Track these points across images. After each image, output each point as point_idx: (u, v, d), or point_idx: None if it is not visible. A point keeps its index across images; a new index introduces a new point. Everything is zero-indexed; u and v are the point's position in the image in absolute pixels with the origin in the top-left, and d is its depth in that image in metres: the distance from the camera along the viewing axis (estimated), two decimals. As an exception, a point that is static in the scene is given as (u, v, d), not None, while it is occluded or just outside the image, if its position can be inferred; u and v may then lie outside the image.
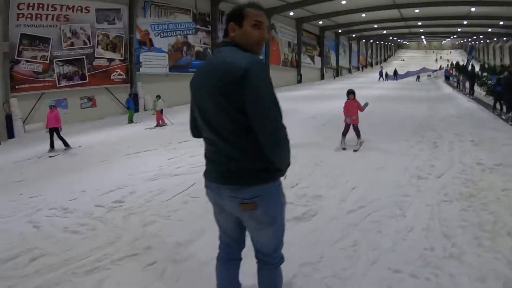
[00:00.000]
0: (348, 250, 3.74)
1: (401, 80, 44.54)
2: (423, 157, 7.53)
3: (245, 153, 2.10)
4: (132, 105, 18.84)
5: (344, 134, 8.86)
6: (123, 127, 16.24)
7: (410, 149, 8.30)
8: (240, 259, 2.61)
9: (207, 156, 2.32)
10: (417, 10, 35.30)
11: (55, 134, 11.54)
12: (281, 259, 2.46)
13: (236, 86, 1.96)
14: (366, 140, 9.08)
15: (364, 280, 3.21)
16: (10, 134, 16.62)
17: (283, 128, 2.06)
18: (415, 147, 8.47)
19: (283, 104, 2.16)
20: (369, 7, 33.32)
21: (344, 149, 8.59)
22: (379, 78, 44.74)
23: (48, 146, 11.64)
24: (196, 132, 2.46)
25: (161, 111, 15.68)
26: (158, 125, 15.35)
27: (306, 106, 18.59)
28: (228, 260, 2.56)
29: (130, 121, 17.67)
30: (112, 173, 7.71)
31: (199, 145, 8.53)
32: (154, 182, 6.88)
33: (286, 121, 2.07)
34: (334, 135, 9.55)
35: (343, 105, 8.91)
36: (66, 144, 11.56)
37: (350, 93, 8.88)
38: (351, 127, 8.82)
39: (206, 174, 2.35)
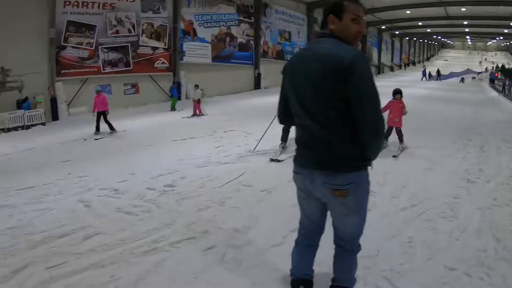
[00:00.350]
0: (404, 245, 3.73)
1: (444, 80, 43.12)
2: (470, 160, 7.21)
3: (343, 140, 2.16)
4: (176, 93, 18.94)
5: (386, 136, 7.87)
6: (166, 114, 16.21)
7: (457, 151, 7.93)
8: (317, 245, 2.67)
9: (300, 142, 2.37)
10: (463, 9, 33.72)
11: (101, 118, 11.68)
12: (358, 247, 2.55)
13: (342, 77, 2.01)
14: (410, 140, 8.40)
15: (420, 276, 3.21)
16: (55, 116, 17.06)
17: (383, 120, 2.16)
18: (462, 150, 8.07)
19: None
20: (414, 4, 32.12)
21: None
22: (422, 78, 43.28)
23: (94, 129, 11.77)
24: (285, 119, 2.57)
25: (199, 100, 15.51)
26: (194, 114, 15.18)
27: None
28: (307, 246, 2.64)
29: (173, 108, 17.70)
30: (160, 158, 7.65)
31: (244, 135, 8.38)
32: (204, 168, 6.79)
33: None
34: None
35: (386, 104, 7.80)
36: (112, 127, 11.65)
37: (397, 92, 8.10)
38: (394, 129, 8.01)
39: (298, 159, 2.40)
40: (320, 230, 2.62)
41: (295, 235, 3.69)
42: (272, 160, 7.13)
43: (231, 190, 5.60)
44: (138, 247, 3.78)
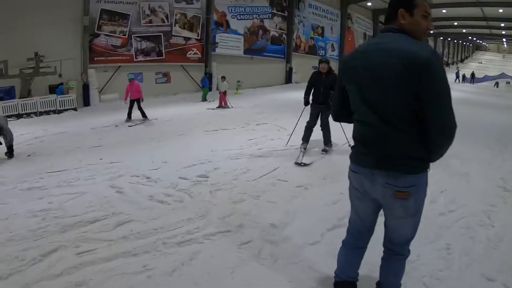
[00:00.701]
0: (442, 251, 3.57)
1: (478, 84, 41.75)
2: (507, 168, 6.75)
3: (410, 140, 2.06)
4: (207, 84, 18.86)
5: None
6: (196, 104, 16.00)
7: (494, 158, 7.44)
8: (366, 247, 2.55)
9: (361, 140, 2.26)
10: (501, 10, 32.18)
11: (135, 105, 11.67)
12: (408, 252, 2.47)
13: (418, 74, 1.92)
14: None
15: (458, 283, 3.09)
16: (86, 102, 17.37)
17: (455, 121, 2.04)
18: (498, 156, 7.57)
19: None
20: (451, 3, 30.94)
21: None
22: (456, 79, 42.15)
23: (125, 116, 11.77)
24: (341, 115, 2.45)
25: (225, 92, 15.11)
26: (220, 106, 14.82)
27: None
28: (355, 248, 2.53)
29: (204, 99, 17.62)
30: (192, 148, 7.49)
31: (276, 129, 8.12)
32: (237, 161, 6.56)
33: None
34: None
35: None
36: (144, 115, 11.65)
37: None
38: None
39: (357, 158, 2.30)
40: (370, 231, 2.51)
41: (332, 234, 3.73)
42: (297, 164, 6.44)
43: (266, 184, 5.38)
44: (172, 237, 3.63)
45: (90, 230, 3.79)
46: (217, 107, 14.72)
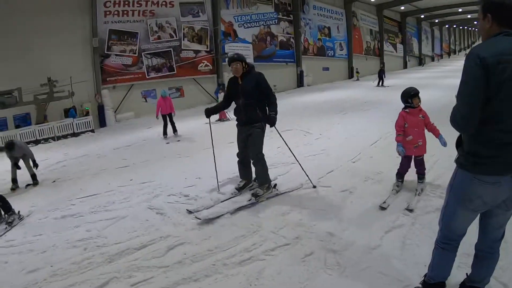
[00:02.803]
0: None
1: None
2: None
3: None
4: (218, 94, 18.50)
5: (403, 173, 5.06)
6: (212, 116, 15.36)
7: None
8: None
9: (504, 147, 2.11)
10: (504, -9, 32.00)
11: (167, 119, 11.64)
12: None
13: None
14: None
15: None
16: (102, 123, 17.36)
17: None
18: None
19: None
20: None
21: (383, 208, 4.44)
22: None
23: (143, 133, 11.93)
24: (474, 122, 2.10)
25: None
26: (220, 119, 13.67)
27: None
28: (454, 251, 2.53)
29: None
30: (222, 160, 7.12)
31: (302, 134, 7.79)
32: (274, 170, 6.23)
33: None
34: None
35: (397, 118, 4.99)
36: (175, 129, 11.66)
37: (414, 95, 4.85)
38: (412, 160, 5.01)
39: (499, 167, 2.14)
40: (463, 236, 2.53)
41: (391, 236, 3.70)
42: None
43: (309, 192, 5.16)
44: (230, 257, 3.45)
45: (140, 258, 3.59)
46: (217, 120, 13.32)
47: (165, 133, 11.58)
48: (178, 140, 10.40)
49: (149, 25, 19.23)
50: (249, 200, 4.79)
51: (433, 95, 13.51)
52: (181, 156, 8.27)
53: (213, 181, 5.66)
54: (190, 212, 4.60)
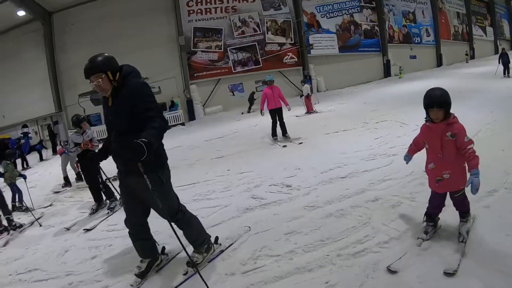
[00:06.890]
0: None
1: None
2: None
3: None
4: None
5: (434, 215, 3.43)
6: (301, 108, 14.22)
7: None
8: None
9: None
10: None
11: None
12: None
13: None
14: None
15: None
16: (191, 117, 18.32)
17: None
18: None
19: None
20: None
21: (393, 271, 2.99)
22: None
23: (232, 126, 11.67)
24: None
25: (307, 96, 13.53)
26: (307, 112, 13.36)
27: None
28: None
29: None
30: (321, 151, 7.05)
31: (398, 125, 7.28)
32: (373, 161, 5.91)
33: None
34: None
35: (417, 135, 3.55)
36: (285, 130, 10.09)
37: (429, 105, 3.05)
38: (448, 197, 3.36)
39: None
40: None
41: None
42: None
43: (415, 184, 4.75)
44: (343, 248, 3.30)
45: (258, 246, 3.55)
46: (305, 113, 13.30)
47: (274, 134, 9.06)
48: (285, 146, 8.18)
49: (232, 20, 19.83)
50: (185, 273, 3.27)
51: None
52: (277, 147, 8.21)
53: (313, 172, 5.55)
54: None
